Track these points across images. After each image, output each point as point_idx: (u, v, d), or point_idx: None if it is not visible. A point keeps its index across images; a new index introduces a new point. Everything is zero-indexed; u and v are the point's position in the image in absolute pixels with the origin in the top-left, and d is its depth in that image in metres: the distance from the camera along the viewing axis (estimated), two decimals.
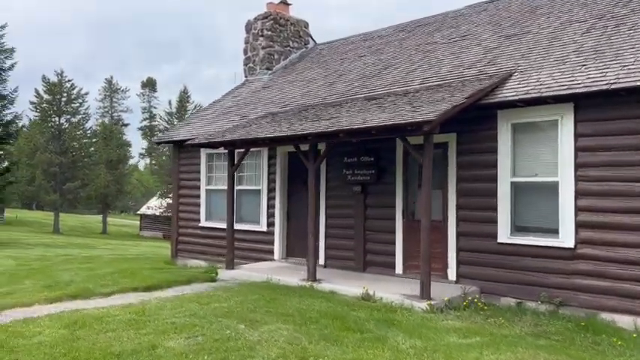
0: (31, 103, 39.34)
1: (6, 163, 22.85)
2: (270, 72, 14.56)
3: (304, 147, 8.74)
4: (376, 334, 5.61)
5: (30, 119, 39.00)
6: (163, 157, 47.18)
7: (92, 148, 41.49)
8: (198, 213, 12.35)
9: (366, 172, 9.17)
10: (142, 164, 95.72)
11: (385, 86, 9.94)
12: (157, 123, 64.13)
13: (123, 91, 73.26)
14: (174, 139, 12.63)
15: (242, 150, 9.70)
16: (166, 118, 46.44)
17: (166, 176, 45.55)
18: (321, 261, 9.74)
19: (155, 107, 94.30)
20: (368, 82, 10.65)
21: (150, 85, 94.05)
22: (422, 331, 5.79)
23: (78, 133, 40.94)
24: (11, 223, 45.44)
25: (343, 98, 10.31)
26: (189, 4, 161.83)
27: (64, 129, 40.55)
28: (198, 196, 12.35)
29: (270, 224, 10.76)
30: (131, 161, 54.29)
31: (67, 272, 10.20)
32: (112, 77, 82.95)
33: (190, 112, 46.57)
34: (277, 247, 10.60)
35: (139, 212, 53.36)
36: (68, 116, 41.06)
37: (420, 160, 7.22)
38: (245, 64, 15.17)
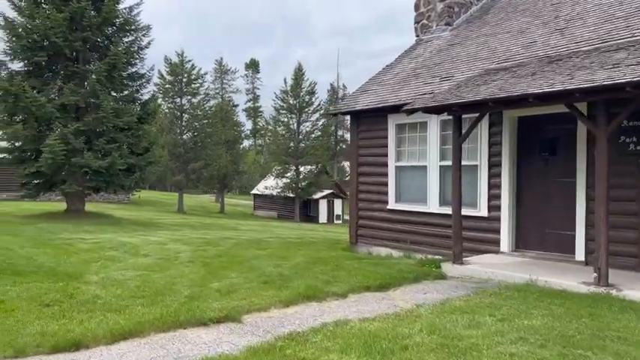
0: (154, 84, 40.15)
1: (145, 144, 22.58)
2: (450, 27, 12.45)
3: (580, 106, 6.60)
4: None
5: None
6: (278, 138, 46.73)
7: (209, 129, 41.65)
8: (385, 194, 10.65)
9: None
10: (246, 144, 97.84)
11: None
12: (269, 103, 64.30)
13: (232, 72, 74.25)
14: (356, 108, 10.94)
15: (474, 115, 7.77)
16: (281, 97, 45.71)
17: (284, 155, 45.09)
18: (581, 256, 7.62)
19: (258, 88, 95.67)
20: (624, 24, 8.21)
21: (253, 66, 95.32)
22: None
23: (199, 113, 41.31)
24: (137, 203, 47.33)
25: (591, 47, 7.99)
26: None
27: (186, 109, 41.13)
28: (385, 175, 10.64)
29: (493, 208, 8.77)
30: (245, 142, 54.73)
31: (260, 261, 8.91)
32: (221, 59, 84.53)
33: (305, 89, 45.52)
34: (505, 237, 8.60)
35: (252, 192, 53.76)
36: (189, 97, 41.62)
37: None
38: (417, 22, 13.17)
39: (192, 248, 11.04)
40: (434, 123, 9.61)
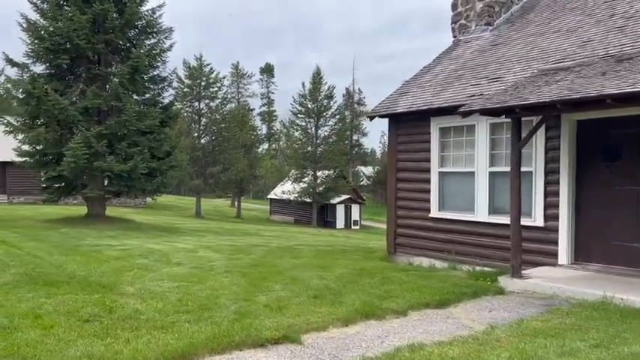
0: (173, 88, 40.00)
1: (166, 148, 22.25)
2: (490, 28, 11.93)
3: None
4: None
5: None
6: (296, 143, 46.26)
7: (226, 133, 41.29)
8: (427, 201, 10.13)
9: None
10: (260, 149, 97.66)
11: None
12: (282, 108, 64.01)
13: (249, 76, 74.17)
14: (397, 111, 10.45)
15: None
16: (299, 101, 45.30)
17: (301, 159, 44.64)
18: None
19: (273, 93, 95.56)
20: None
21: (268, 71, 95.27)
22: None
23: (217, 117, 41.05)
24: (153, 207, 47.18)
25: None
26: None
27: (204, 113, 40.91)
28: (427, 181, 10.13)
29: (550, 217, 8.21)
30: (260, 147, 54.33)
31: (300, 272, 8.44)
32: (237, 62, 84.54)
33: (324, 93, 45.06)
34: (563, 249, 8.04)
35: (268, 197, 53.39)
36: (207, 101, 41.41)
37: None
38: (454, 22, 12.66)
39: (225, 256, 10.60)
40: (483, 126, 9.09)
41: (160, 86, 22.89)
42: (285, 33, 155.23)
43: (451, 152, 9.80)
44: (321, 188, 43.43)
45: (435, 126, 9.95)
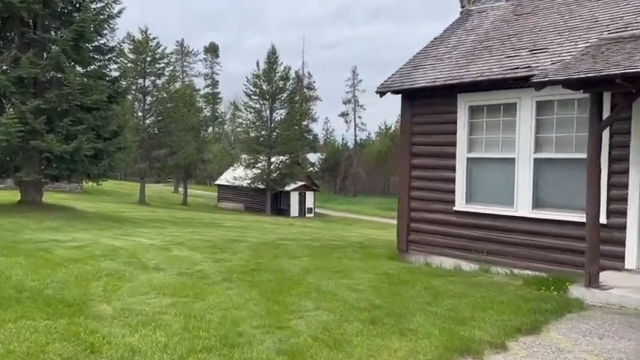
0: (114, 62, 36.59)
1: (114, 127, 19.71)
2: None
3: None
4: None
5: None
6: (249, 126, 43.86)
7: (173, 114, 38.22)
8: (451, 192, 8.72)
9: None
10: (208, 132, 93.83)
11: None
12: (228, 90, 61.00)
13: (194, 54, 70.46)
14: (415, 85, 8.93)
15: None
16: (253, 81, 42.76)
17: (255, 144, 42.38)
18: None
19: (217, 74, 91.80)
20: None
21: (212, 50, 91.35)
22: None
23: (164, 95, 37.95)
24: (90, 192, 43.56)
25: None
26: None
27: (149, 91, 37.74)
28: (451, 168, 8.71)
29: (615, 213, 6.99)
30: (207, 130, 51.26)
31: (317, 279, 6.78)
32: (182, 40, 79.87)
33: (279, 74, 42.78)
34: (632, 250, 6.84)
35: (216, 183, 50.83)
36: (153, 78, 38.21)
37: None
38: None
39: (207, 256, 8.77)
40: (527, 104, 7.74)
41: (107, 57, 20.23)
42: (225, 16, 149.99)
43: (483, 135, 8.41)
44: (274, 174, 41.47)
45: (463, 104, 8.52)
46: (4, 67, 17.26)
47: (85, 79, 18.18)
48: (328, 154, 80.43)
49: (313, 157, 78.50)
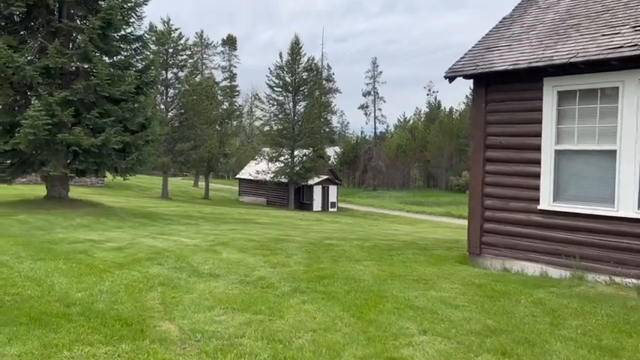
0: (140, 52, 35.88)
1: (141, 119, 18.95)
2: None
3: None
4: None
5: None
6: (273, 119, 42.86)
7: (197, 107, 37.38)
8: (535, 189, 7.75)
9: None
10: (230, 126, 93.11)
11: None
12: (245, 83, 60.05)
13: (214, 46, 69.65)
14: (494, 68, 7.95)
15: None
16: (276, 73, 41.75)
17: (278, 137, 41.49)
18: None
19: (235, 66, 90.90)
20: None
21: (230, 42, 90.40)
22: None
23: (187, 87, 37.17)
24: (112, 187, 43.16)
25: None
26: None
27: (172, 83, 37.00)
28: (535, 162, 7.73)
29: None
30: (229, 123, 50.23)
31: (400, 290, 5.90)
32: (202, 31, 79.00)
33: (302, 65, 41.74)
34: None
35: (237, 176, 50.12)
36: (176, 70, 37.46)
37: None
38: None
39: (260, 259, 7.91)
40: (631, 88, 6.74)
41: (134, 46, 19.49)
42: (237, 9, 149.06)
43: (574, 124, 7.41)
44: (297, 168, 40.55)
45: (550, 89, 7.52)
46: (30, 57, 16.62)
47: (112, 69, 17.45)
48: (346, 147, 79.34)
49: (330, 151, 77.55)
